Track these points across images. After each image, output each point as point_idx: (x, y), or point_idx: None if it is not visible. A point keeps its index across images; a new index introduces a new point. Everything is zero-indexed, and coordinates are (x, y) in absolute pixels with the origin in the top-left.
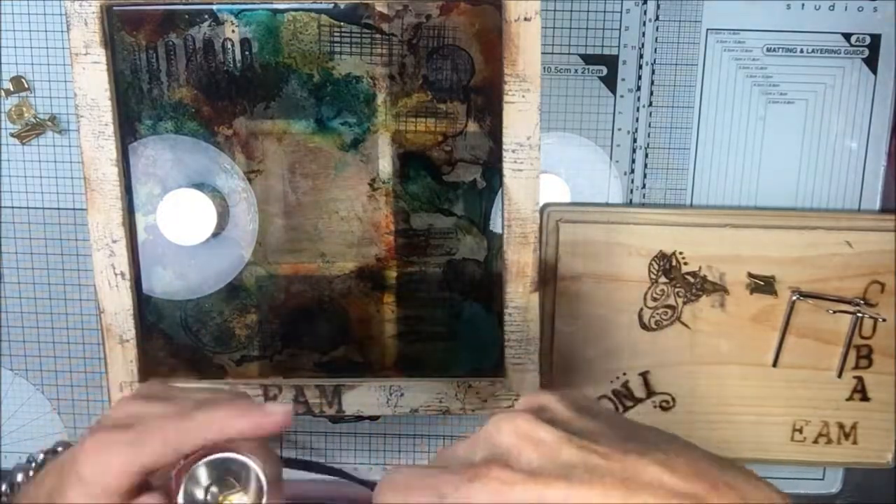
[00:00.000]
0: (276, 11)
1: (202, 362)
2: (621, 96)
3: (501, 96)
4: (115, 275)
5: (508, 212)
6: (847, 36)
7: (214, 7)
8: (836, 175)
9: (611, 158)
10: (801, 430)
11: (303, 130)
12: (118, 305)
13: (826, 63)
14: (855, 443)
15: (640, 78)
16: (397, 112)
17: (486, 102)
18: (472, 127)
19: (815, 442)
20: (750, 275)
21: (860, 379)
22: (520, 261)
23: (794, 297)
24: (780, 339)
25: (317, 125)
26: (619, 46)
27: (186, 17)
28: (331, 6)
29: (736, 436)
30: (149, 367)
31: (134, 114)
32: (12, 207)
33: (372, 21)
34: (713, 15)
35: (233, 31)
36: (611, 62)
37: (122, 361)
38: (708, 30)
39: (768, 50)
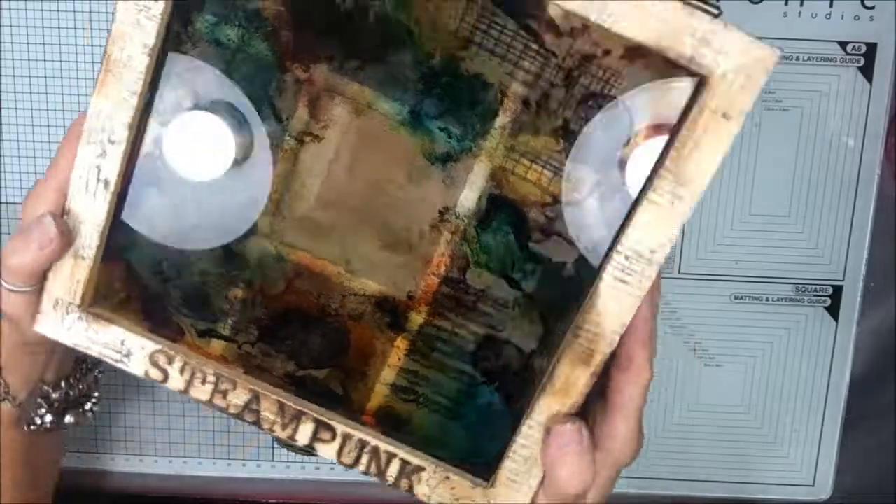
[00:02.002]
0: None
1: (159, 315)
2: None
3: (644, 188)
4: (98, 180)
5: (584, 320)
6: (843, 44)
7: None
8: (830, 182)
9: None
10: None
11: (392, 114)
12: (88, 215)
13: (822, 71)
14: None
15: None
16: (513, 145)
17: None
18: (589, 201)
19: None
20: None
21: None
22: (570, 378)
23: None
24: None
25: (410, 116)
26: None
27: None
28: None
29: None
30: (96, 294)
31: (195, 3)
32: (8, 203)
33: (536, 26)
34: None
35: None
36: None
37: (68, 278)
38: None
39: None
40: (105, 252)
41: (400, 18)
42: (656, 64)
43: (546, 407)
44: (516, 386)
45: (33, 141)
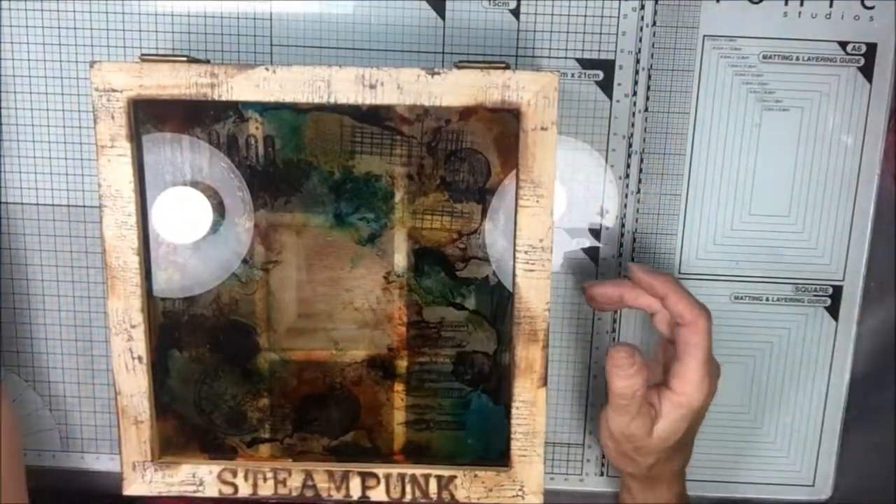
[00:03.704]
0: (299, 111)
1: (214, 443)
2: (617, 101)
3: (517, 199)
4: (133, 359)
5: (519, 310)
6: (843, 44)
7: (240, 104)
8: (830, 182)
9: (606, 162)
10: None
11: (321, 224)
12: (134, 388)
13: (822, 71)
14: None
15: (636, 83)
16: (414, 210)
17: (501, 204)
18: (487, 226)
19: None
20: None
21: None
22: (528, 357)
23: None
24: None
25: (335, 220)
26: (615, 51)
27: (212, 113)
28: (354, 108)
29: None
30: (161, 447)
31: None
32: (7, 203)
33: (393, 123)
34: (710, 21)
35: (256, 128)
36: (607, 67)
37: (136, 441)
38: (705, 36)
39: (764, 57)
40: (157, 411)
41: (300, 157)
42: (485, 115)
43: (521, 387)
44: (495, 383)
45: (33, 141)
